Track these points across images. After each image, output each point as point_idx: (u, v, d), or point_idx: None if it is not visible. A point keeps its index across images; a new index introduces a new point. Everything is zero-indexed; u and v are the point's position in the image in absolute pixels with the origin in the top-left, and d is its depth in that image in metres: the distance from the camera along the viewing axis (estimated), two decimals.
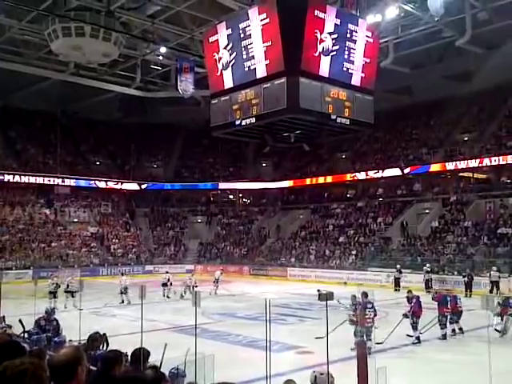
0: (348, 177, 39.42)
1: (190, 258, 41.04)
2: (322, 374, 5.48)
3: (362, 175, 38.41)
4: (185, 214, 45.90)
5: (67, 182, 40.80)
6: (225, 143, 40.54)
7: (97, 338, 7.33)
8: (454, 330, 14.19)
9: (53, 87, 36.57)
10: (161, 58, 32.20)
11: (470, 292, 23.30)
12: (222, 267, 31.68)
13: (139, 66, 33.08)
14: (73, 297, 19.58)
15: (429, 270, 26.12)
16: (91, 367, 4.52)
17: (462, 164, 33.31)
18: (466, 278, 24.15)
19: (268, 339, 5.53)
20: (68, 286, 20.42)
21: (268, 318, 5.68)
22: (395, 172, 36.36)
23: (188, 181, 45.65)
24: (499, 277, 23.57)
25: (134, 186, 44.41)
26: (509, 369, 8.91)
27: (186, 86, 27.22)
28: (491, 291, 22.93)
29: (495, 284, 23.42)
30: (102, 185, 42.56)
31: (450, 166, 33.86)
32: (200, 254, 41.71)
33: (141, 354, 5.19)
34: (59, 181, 40.40)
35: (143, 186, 44.66)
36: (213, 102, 13.24)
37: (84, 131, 46.05)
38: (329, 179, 40.59)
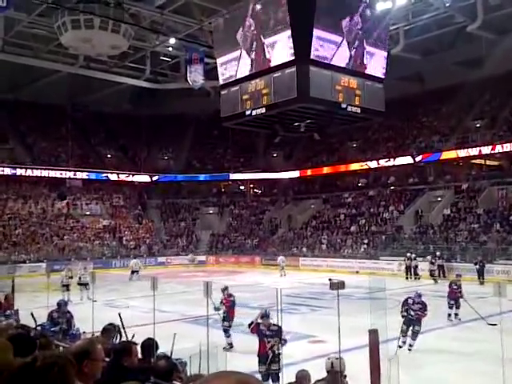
0: (359, 166, 39.20)
1: (202, 249, 41.20)
2: (337, 358, 5.49)
3: (373, 164, 38.20)
4: (196, 206, 46.03)
5: (79, 175, 41.06)
6: (235, 134, 40.44)
7: (110, 329, 7.39)
8: (449, 315, 14.38)
9: (63, 80, 36.72)
10: (170, 49, 32.15)
11: (483, 279, 23.20)
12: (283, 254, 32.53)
13: (149, 57, 33.11)
14: (87, 289, 19.76)
15: (437, 256, 26.09)
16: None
17: (474, 151, 32.98)
18: (477, 266, 24.05)
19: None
20: (80, 278, 20.61)
21: (280, 308, 5.70)
22: (407, 160, 36.11)
23: (199, 172, 45.74)
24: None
25: (145, 178, 44.59)
26: None
27: (195, 76, 27.21)
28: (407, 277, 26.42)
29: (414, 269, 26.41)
30: (113, 177, 42.78)
31: (462, 153, 33.54)
32: (212, 245, 41.85)
33: (151, 345, 5.24)
34: (71, 174, 40.68)
35: (154, 178, 44.82)
36: (223, 92, 13.23)
37: (95, 124, 46.27)
38: (340, 168, 40.43)
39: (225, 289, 12.49)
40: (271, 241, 39.98)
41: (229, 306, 12.15)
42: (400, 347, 10.77)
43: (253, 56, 12.08)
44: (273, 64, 11.58)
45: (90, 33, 24.18)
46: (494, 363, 7.61)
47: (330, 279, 5.69)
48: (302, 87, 11.13)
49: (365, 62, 12.29)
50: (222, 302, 12.08)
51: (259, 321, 8.53)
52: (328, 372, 5.53)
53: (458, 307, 14.20)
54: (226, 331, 11.87)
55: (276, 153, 47.65)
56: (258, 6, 12.07)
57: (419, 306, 11.34)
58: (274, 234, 41.16)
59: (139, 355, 4.97)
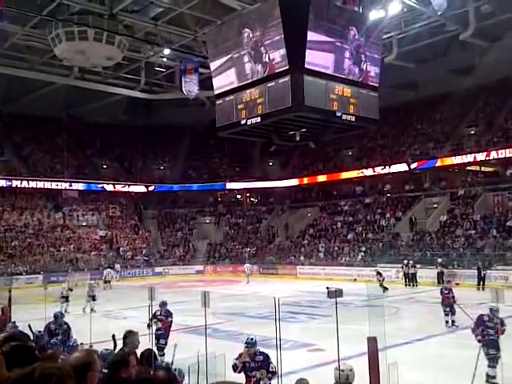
0: (355, 173, 39.30)
1: (200, 259, 41.12)
2: (342, 370, 5.45)
3: (369, 171, 38.30)
4: (193, 215, 46.00)
5: (75, 185, 41.00)
6: (231, 143, 40.56)
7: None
8: (447, 322, 14.39)
9: (58, 92, 36.78)
10: (165, 59, 32.26)
11: (483, 285, 23.22)
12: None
13: (143, 68, 33.21)
14: (94, 300, 19.71)
15: (443, 263, 26.13)
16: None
17: (469, 157, 33.12)
18: (478, 272, 24.09)
19: (278, 337, 5.53)
20: (90, 289, 20.45)
21: (278, 317, 5.69)
22: (402, 167, 36.22)
23: (195, 181, 45.75)
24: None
25: (141, 189, 44.55)
26: None
27: (190, 86, 27.27)
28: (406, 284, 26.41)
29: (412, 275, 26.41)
30: (109, 188, 42.73)
31: (457, 159, 33.69)
32: (209, 254, 41.77)
33: (150, 355, 5.22)
34: (67, 185, 40.61)
35: (150, 188, 44.79)
36: (218, 102, 13.27)
37: (90, 135, 46.30)
38: (336, 176, 40.52)
39: (162, 304, 11.31)
40: (268, 249, 39.94)
41: (167, 327, 11.14)
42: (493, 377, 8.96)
43: (247, 65, 12.15)
44: (267, 73, 11.64)
45: (84, 44, 24.24)
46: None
47: (327, 287, 5.68)
48: (296, 96, 11.19)
49: (359, 70, 12.37)
50: (157, 319, 10.97)
51: (243, 352, 7.13)
52: (336, 383, 5.46)
53: (453, 313, 14.22)
54: (161, 349, 10.51)
55: (272, 161, 47.76)
56: (252, 16, 12.17)
57: (498, 321, 9.29)
58: (271, 242, 41.13)
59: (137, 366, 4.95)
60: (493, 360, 8.85)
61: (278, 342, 5.36)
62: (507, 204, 30.75)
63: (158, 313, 11.15)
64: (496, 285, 22.00)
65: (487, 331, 9.16)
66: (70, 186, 40.78)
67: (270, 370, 6.74)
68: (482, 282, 23.61)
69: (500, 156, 31.59)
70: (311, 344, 12.40)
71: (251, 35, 11.81)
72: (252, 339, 7.16)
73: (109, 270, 30.35)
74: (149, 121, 44.96)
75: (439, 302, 14.67)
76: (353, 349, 7.67)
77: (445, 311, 14.36)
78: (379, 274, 24.17)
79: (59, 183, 40.10)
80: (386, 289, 22.66)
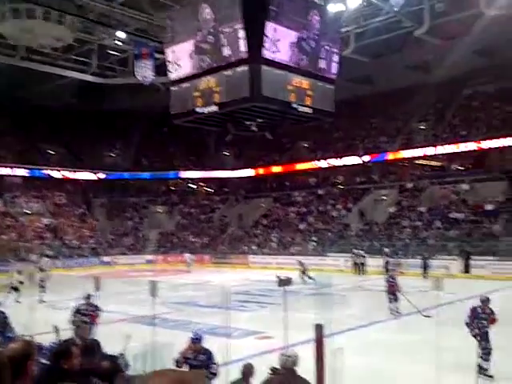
0: (310, 165, 39.81)
1: (150, 249, 40.62)
2: (288, 356, 5.55)
3: (323, 163, 38.87)
4: (144, 204, 45.38)
5: (18, 171, 39.56)
6: (186, 131, 40.03)
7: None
8: (391, 309, 14.78)
9: (1, 73, 35.20)
10: (118, 43, 31.45)
11: (426, 274, 24.06)
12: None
13: (95, 51, 32.25)
14: (44, 292, 19.16)
15: (389, 253, 26.92)
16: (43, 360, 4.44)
17: (417, 152, 34.19)
18: (422, 261, 24.97)
19: (228, 326, 5.57)
20: (42, 280, 19.82)
21: (227, 305, 5.72)
22: (355, 160, 36.97)
23: (147, 170, 45.09)
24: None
25: (90, 176, 43.53)
26: (454, 345, 9.37)
27: (144, 72, 26.80)
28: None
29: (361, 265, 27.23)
30: (56, 174, 41.52)
31: (407, 153, 34.70)
32: (160, 244, 41.37)
33: (94, 346, 5.15)
34: (9, 170, 39.12)
35: (100, 176, 43.81)
36: (173, 89, 13.05)
37: (36, 119, 44.55)
38: (291, 168, 40.91)
39: (88, 297, 10.75)
40: (221, 239, 39.96)
41: (94, 320, 10.42)
42: (491, 377, 8.75)
43: (205, 52, 12.01)
44: (225, 62, 11.55)
45: (32, 23, 23.29)
46: (430, 352, 7.95)
47: (277, 276, 5.76)
48: (254, 86, 11.14)
49: (316, 63, 12.46)
50: (81, 314, 10.32)
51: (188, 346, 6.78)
52: (282, 368, 5.58)
53: (396, 301, 14.70)
54: None
55: (227, 151, 47.61)
56: (211, 2, 12.02)
57: (489, 311, 9.22)
58: (224, 232, 41.16)
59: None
60: (487, 353, 8.88)
61: (228, 331, 5.39)
62: (451, 197, 31.93)
63: (84, 307, 10.54)
64: (438, 274, 22.80)
65: (482, 323, 9.05)
66: (13, 171, 39.31)
67: (212, 371, 6.50)
68: (425, 271, 24.48)
69: (447, 151, 32.76)
70: (260, 332, 12.53)
71: (209, 20, 11.67)
72: (198, 335, 6.88)
73: (46, 259, 29.27)
74: (100, 106, 43.80)
75: (384, 290, 15.12)
76: (300, 336, 7.81)
77: (389, 299, 14.82)
78: (301, 263, 23.96)
79: (1, 168, 38.55)
80: (310, 278, 22.66)
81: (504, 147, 30.88)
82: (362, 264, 27.20)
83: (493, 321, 9.00)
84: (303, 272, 23.19)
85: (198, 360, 6.56)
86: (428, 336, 9.28)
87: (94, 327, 10.11)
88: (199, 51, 12.10)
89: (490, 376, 8.62)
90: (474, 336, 9.00)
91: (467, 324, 9.10)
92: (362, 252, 27.68)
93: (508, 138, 30.33)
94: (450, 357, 8.47)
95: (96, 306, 10.74)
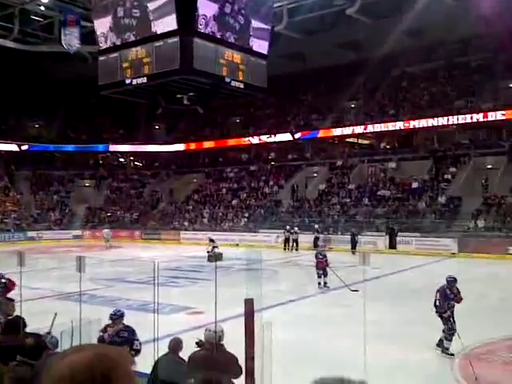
0: (242, 141, 39.83)
1: (77, 224, 39.40)
2: (213, 331, 5.60)
3: (255, 140, 39.01)
4: (71, 178, 43.80)
5: None
6: (115, 103, 38.67)
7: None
8: (319, 284, 15.30)
9: None
10: (42, 8, 29.71)
11: (355, 249, 24.95)
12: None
13: (17, 15, 30.26)
14: None
15: (319, 229, 27.60)
16: None
17: (347, 130, 35.04)
18: (351, 237, 25.83)
19: (156, 301, 5.50)
20: None
21: (157, 281, 5.65)
22: (287, 137, 37.36)
23: (74, 142, 43.40)
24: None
25: (12, 147, 41.31)
26: (379, 319, 9.77)
27: (70, 40, 25.53)
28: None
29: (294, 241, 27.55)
30: None
31: (337, 131, 35.47)
32: (88, 219, 40.18)
33: (18, 323, 4.94)
34: None
35: (24, 147, 41.68)
36: (101, 58, 12.50)
37: None
38: (223, 143, 40.76)
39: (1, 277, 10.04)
40: (152, 215, 39.41)
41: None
42: (452, 355, 8.77)
43: (134, 21, 11.58)
44: (155, 32, 11.19)
45: None
46: (357, 325, 8.27)
47: (208, 252, 5.73)
48: (185, 59, 10.87)
49: (249, 37, 12.34)
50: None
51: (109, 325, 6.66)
52: (207, 342, 5.62)
53: (325, 275, 15.18)
54: None
55: (158, 125, 46.72)
56: None
57: (455, 291, 9.11)
58: (155, 208, 40.61)
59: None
60: (452, 334, 8.78)
61: (156, 306, 5.31)
62: (379, 175, 33.09)
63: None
64: (366, 249, 23.72)
65: (450, 303, 8.94)
66: None
67: (134, 347, 6.39)
68: (354, 247, 25.37)
69: (376, 130, 33.79)
70: (191, 307, 12.54)
71: None
72: (119, 312, 6.74)
73: None
74: (23, 74, 41.44)
75: (314, 265, 15.53)
76: (231, 310, 7.87)
77: (318, 274, 15.26)
78: (212, 241, 23.27)
79: None
80: (219, 255, 20.67)
81: (430, 127, 32.24)
82: (296, 240, 27.67)
83: (459, 300, 8.95)
84: (212, 249, 22.39)
85: (121, 337, 6.46)
86: (355, 309, 9.64)
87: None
88: (128, 20, 11.66)
89: (452, 354, 8.71)
90: (441, 317, 8.89)
91: (436, 306, 8.91)
92: (296, 229, 28.17)
93: (434, 119, 31.66)
94: (376, 329, 8.84)
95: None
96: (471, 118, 30.34)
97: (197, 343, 5.76)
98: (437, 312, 8.95)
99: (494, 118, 29.72)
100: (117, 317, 6.63)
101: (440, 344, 8.97)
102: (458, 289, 9.04)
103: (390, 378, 7.26)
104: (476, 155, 30.40)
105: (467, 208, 27.26)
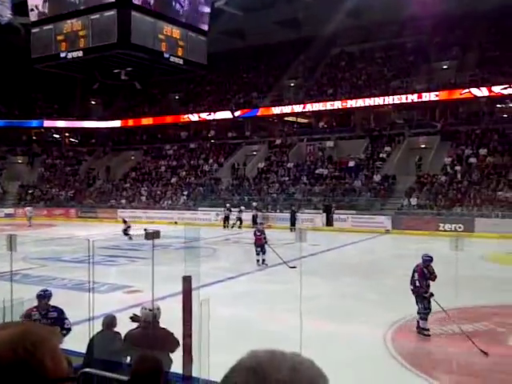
0: (181, 118, 39.34)
1: (10, 202, 37.81)
2: (149, 309, 5.62)
3: (194, 117, 38.63)
4: (3, 154, 41.80)
5: None
6: (49, 78, 36.95)
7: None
8: (258, 261, 15.50)
9: None
10: None
11: (294, 226, 25.41)
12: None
13: None
14: None
15: (257, 207, 27.86)
16: None
17: (287, 109, 35.34)
18: (290, 214, 26.26)
19: (92, 280, 5.43)
20: None
21: (92, 260, 5.58)
22: (226, 115, 37.22)
23: (5, 117, 41.32)
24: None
25: None
26: (315, 294, 10.23)
27: (1, 10, 24.10)
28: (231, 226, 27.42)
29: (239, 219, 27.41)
30: None
31: (277, 110, 35.71)
32: (21, 197, 38.62)
33: None
34: None
35: None
36: (34, 30, 11.94)
37: None
38: (162, 120, 40.11)
39: None
40: (88, 193, 38.42)
41: None
42: (429, 335, 8.68)
43: None
44: (91, 4, 10.80)
45: None
46: (294, 300, 8.51)
47: (145, 229, 5.71)
48: (122, 32, 10.57)
49: (188, 12, 12.14)
50: None
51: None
52: (144, 320, 5.63)
53: (264, 253, 15.42)
54: None
55: (95, 100, 45.33)
56: None
57: (432, 270, 8.92)
58: (92, 185, 39.58)
59: None
60: (428, 313, 8.69)
61: (92, 285, 5.26)
62: (317, 154, 33.68)
63: None
64: (304, 226, 24.24)
65: (428, 283, 8.80)
66: None
67: (65, 326, 6.28)
68: (293, 225, 25.83)
69: (314, 109, 34.26)
70: (128, 286, 12.44)
71: None
72: (46, 291, 6.54)
73: None
74: None
75: (253, 242, 15.73)
76: (169, 288, 7.90)
77: (256, 251, 15.47)
78: (125, 221, 23.43)
79: None
80: (156, 233, 21.74)
81: (367, 107, 33.03)
82: (240, 219, 27.69)
83: (434, 278, 8.82)
84: (125, 230, 22.51)
85: (49, 317, 6.32)
86: (292, 286, 9.91)
87: None
88: None
89: (428, 335, 8.61)
90: (418, 296, 8.74)
91: (417, 286, 8.73)
92: (242, 208, 28.29)
93: (371, 99, 32.45)
94: (312, 304, 9.14)
95: None
96: (406, 98, 31.32)
97: (131, 318, 5.76)
98: (415, 292, 8.77)
99: (427, 99, 30.83)
100: (44, 297, 6.46)
101: (418, 327, 8.77)
102: (433, 267, 8.91)
103: (324, 350, 7.54)
104: (410, 135, 31.49)
105: (401, 186, 28.31)
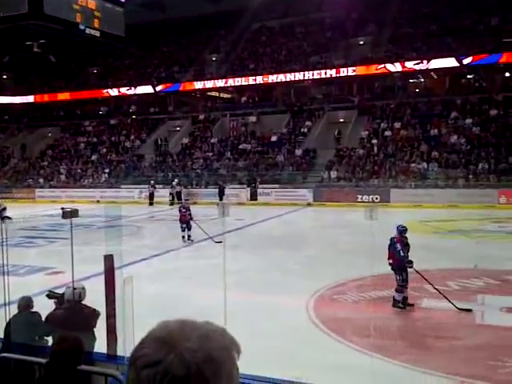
0: (100, 93, 37.97)
1: None
2: (73, 288, 5.54)
3: (114, 92, 37.42)
4: None
5: None
6: None
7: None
8: (183, 237, 15.46)
9: None
10: None
11: (221, 201, 25.52)
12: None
13: None
14: None
15: (180, 183, 27.67)
16: None
17: (209, 83, 35.07)
18: (218, 189, 26.34)
19: (7, 263, 5.26)
20: None
21: (5, 242, 5.39)
22: (148, 89, 36.38)
23: None
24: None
25: None
26: (240, 268, 10.50)
27: None
28: (172, 202, 26.65)
29: (177, 194, 27.05)
30: None
31: (199, 85, 35.33)
32: None
33: None
34: None
35: None
36: None
37: None
38: (79, 95, 38.52)
39: None
40: (2, 172, 36.42)
41: None
42: (404, 308, 8.53)
43: None
44: None
45: None
46: (220, 275, 8.65)
47: (62, 208, 5.56)
48: (33, 2, 10.08)
49: None
50: None
51: None
52: (68, 301, 5.55)
53: (189, 229, 15.40)
54: None
55: (6, 74, 42.61)
56: None
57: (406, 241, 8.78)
58: (6, 164, 37.54)
59: None
60: (404, 286, 8.50)
61: (6, 268, 5.09)
62: (240, 129, 33.82)
63: None
64: (230, 201, 24.43)
65: (408, 254, 8.55)
66: None
67: None
68: (221, 199, 25.94)
69: (236, 84, 34.22)
70: (50, 267, 12.07)
71: None
72: None
73: None
74: None
75: (177, 219, 15.68)
76: (92, 268, 7.79)
77: (182, 227, 15.43)
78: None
79: None
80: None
81: (288, 82, 33.42)
82: (179, 193, 27.25)
83: (409, 248, 8.67)
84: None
85: None
86: (218, 260, 10.04)
87: None
88: None
89: (403, 307, 8.50)
90: (397, 268, 8.50)
91: (407, 262, 8.43)
92: (152, 182, 27.95)
93: (291, 74, 32.84)
94: (237, 277, 9.33)
95: None
96: (325, 73, 31.98)
97: (47, 295, 5.65)
98: (397, 263, 8.49)
99: (345, 74, 31.65)
100: None
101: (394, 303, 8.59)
102: (407, 237, 8.78)
103: (250, 321, 7.76)
104: (329, 109, 32.32)
105: (321, 160, 29.10)
